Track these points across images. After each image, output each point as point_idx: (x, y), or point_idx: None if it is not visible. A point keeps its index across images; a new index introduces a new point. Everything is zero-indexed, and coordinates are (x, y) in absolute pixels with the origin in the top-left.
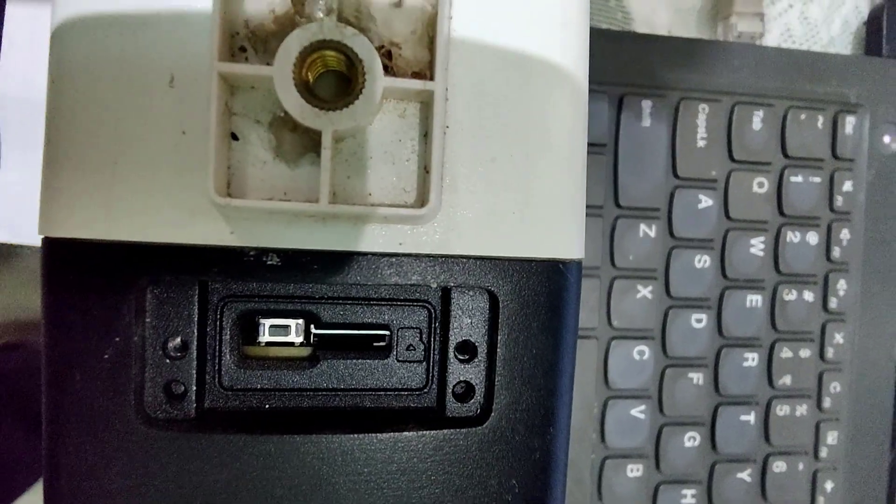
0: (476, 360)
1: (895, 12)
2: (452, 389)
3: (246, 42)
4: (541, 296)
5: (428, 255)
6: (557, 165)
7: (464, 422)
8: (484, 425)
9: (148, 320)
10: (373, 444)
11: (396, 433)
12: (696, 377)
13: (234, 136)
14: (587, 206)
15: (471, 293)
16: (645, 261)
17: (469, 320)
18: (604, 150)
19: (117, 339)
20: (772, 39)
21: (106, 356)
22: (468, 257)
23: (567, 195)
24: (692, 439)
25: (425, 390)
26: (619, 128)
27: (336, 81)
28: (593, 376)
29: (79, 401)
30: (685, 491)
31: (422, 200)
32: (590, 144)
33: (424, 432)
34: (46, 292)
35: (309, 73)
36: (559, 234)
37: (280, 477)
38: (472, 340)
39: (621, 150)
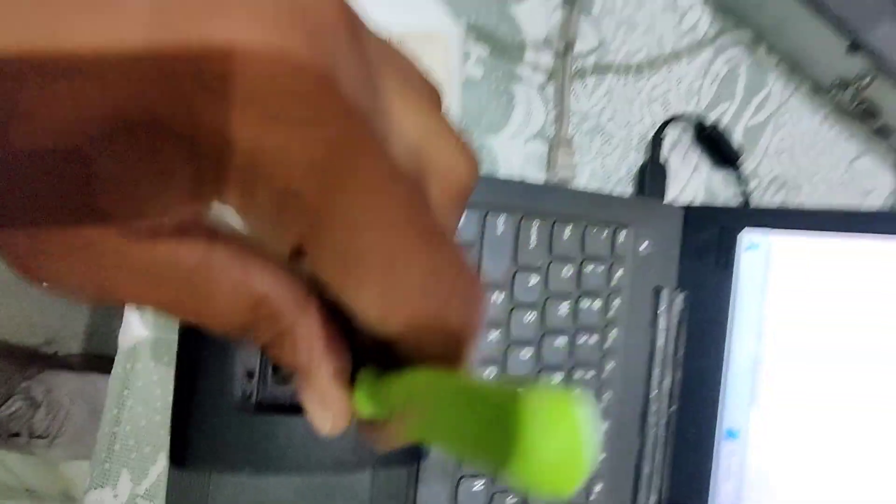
0: None
1: (653, 169)
2: None
3: None
4: None
5: None
6: None
7: None
8: None
9: (237, 361)
10: None
11: None
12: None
13: None
14: None
15: None
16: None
17: None
18: (473, 246)
19: (225, 365)
20: (583, 180)
21: (219, 375)
22: None
23: None
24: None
25: None
26: (484, 232)
27: None
28: None
29: (202, 395)
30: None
31: None
32: (464, 242)
33: None
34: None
35: None
36: None
37: (296, 435)
38: None
39: (485, 246)
